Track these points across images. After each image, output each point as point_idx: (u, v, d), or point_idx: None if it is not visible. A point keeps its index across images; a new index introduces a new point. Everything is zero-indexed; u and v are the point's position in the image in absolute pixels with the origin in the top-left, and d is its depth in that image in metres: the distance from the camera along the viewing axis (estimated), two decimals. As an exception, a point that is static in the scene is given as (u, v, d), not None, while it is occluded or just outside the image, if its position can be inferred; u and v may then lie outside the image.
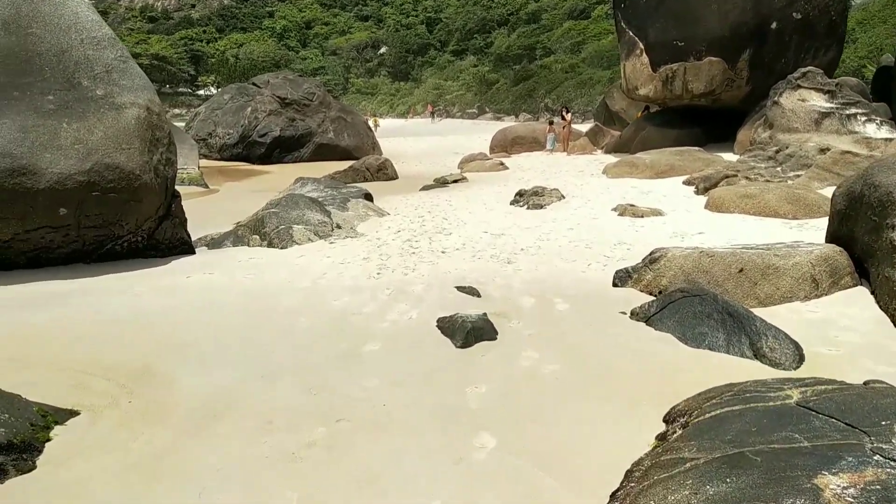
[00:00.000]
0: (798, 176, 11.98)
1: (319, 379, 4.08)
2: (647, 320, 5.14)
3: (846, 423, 2.55)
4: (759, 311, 5.15)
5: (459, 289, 6.00)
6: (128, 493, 2.83)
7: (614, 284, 6.25)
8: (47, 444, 3.17)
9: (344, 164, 19.94)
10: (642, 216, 9.29)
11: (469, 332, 4.76)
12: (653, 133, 20.08)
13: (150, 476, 2.94)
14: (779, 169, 12.69)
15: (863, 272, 5.79)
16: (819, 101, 14.35)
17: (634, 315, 5.29)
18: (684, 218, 9.12)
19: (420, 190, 15.22)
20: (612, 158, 19.04)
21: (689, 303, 5.00)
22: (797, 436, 2.52)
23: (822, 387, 2.99)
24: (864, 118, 13.89)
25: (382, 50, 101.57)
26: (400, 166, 20.05)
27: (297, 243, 7.87)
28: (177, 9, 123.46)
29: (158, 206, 6.85)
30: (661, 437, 3.26)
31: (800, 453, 2.36)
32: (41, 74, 6.47)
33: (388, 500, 2.80)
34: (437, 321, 5.11)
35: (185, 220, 7.51)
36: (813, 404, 2.80)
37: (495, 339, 4.81)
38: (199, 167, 18.13)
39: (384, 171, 18.27)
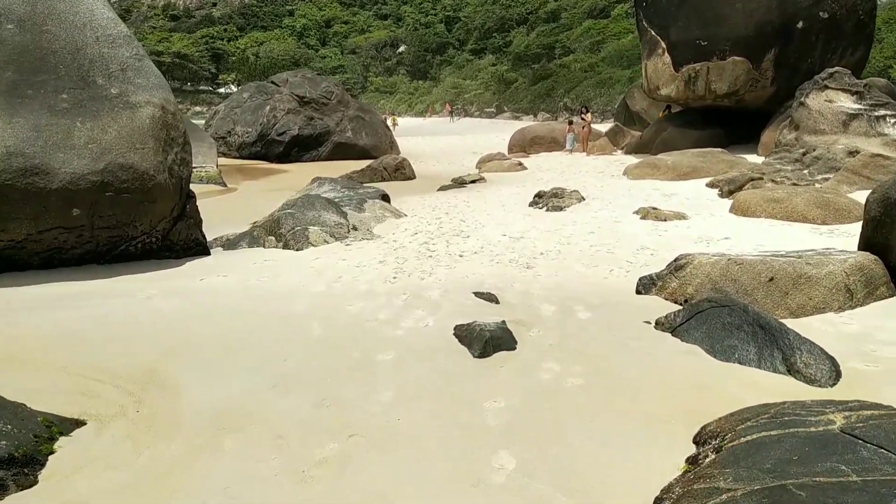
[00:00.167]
0: (826, 179, 11.66)
1: (332, 390, 3.93)
2: (673, 331, 4.94)
3: (899, 456, 2.36)
4: (790, 323, 4.93)
5: (477, 295, 5.83)
6: (130, 514, 2.70)
7: (638, 292, 6.05)
8: (51, 457, 3.05)
9: (362, 164, 19.85)
10: (665, 220, 9.05)
11: (487, 342, 4.59)
12: (674, 134, 19.77)
13: (154, 495, 2.81)
14: (806, 172, 12.37)
15: (900, 282, 5.55)
16: (847, 103, 14.00)
17: (660, 325, 5.09)
18: (709, 222, 8.88)
19: (437, 190, 15.07)
20: (632, 159, 18.76)
21: (717, 313, 4.79)
22: (844, 468, 2.33)
23: (868, 412, 2.79)
24: (893, 120, 13.52)
25: (401, 49, 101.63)
26: (417, 166, 19.92)
27: (312, 245, 7.75)
28: (198, 7, 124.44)
29: (173, 207, 6.76)
30: (692, 461, 3.07)
31: (849, 489, 2.17)
32: (55, 72, 6.40)
33: (402, 526, 2.65)
34: (454, 329, 4.95)
35: (200, 220, 7.42)
36: (859, 432, 2.60)
37: (514, 349, 4.64)
38: (217, 166, 18.13)
39: (402, 171, 18.15)
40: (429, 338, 4.85)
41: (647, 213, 9.40)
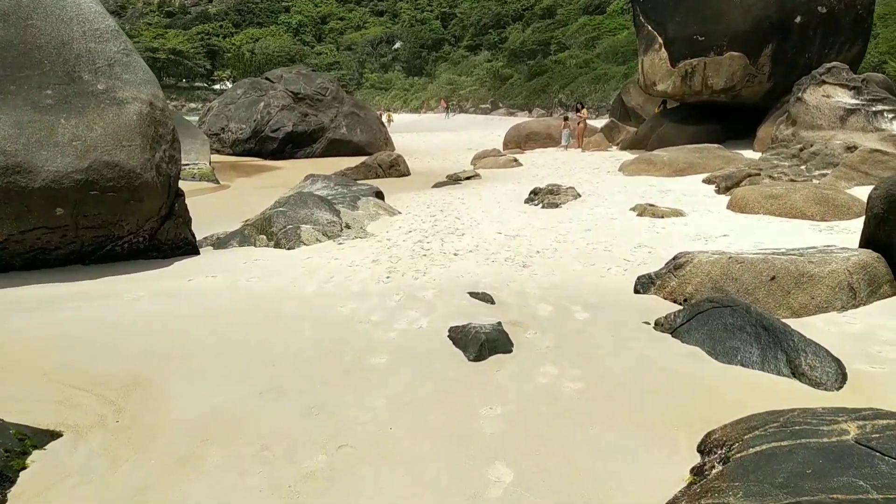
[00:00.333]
0: (824, 175, 11.55)
1: (322, 397, 3.79)
2: (673, 332, 4.81)
3: (918, 470, 2.23)
4: (792, 323, 4.80)
5: (472, 295, 5.69)
6: (105, 532, 2.56)
7: (636, 291, 5.92)
8: (22, 473, 2.90)
9: (356, 160, 19.68)
10: (662, 216, 8.92)
11: (483, 345, 4.45)
12: (670, 129, 19.65)
13: (131, 512, 2.67)
14: (803, 167, 12.26)
15: (904, 281, 5.43)
16: (844, 98, 13.89)
17: (659, 326, 4.96)
18: (706, 219, 8.75)
19: (432, 187, 14.91)
20: (628, 155, 18.64)
21: (718, 314, 4.66)
22: (862, 483, 2.20)
23: (884, 421, 2.66)
24: (891, 115, 13.42)
25: (397, 45, 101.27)
26: (412, 162, 19.76)
27: (304, 244, 7.59)
28: (194, 3, 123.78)
29: (161, 206, 6.60)
30: (698, 472, 2.94)
31: (868, 508, 2.04)
32: (40, 68, 6.23)
33: (393, 545, 2.51)
34: (449, 331, 4.81)
35: (189, 219, 7.25)
36: (876, 443, 2.47)
37: (510, 351, 4.50)
38: (210, 162, 17.95)
39: (396, 168, 17.99)
40: (423, 340, 4.71)
41: (644, 210, 9.27)
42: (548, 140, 24.15)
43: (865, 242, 6.30)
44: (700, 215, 9.01)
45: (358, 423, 3.49)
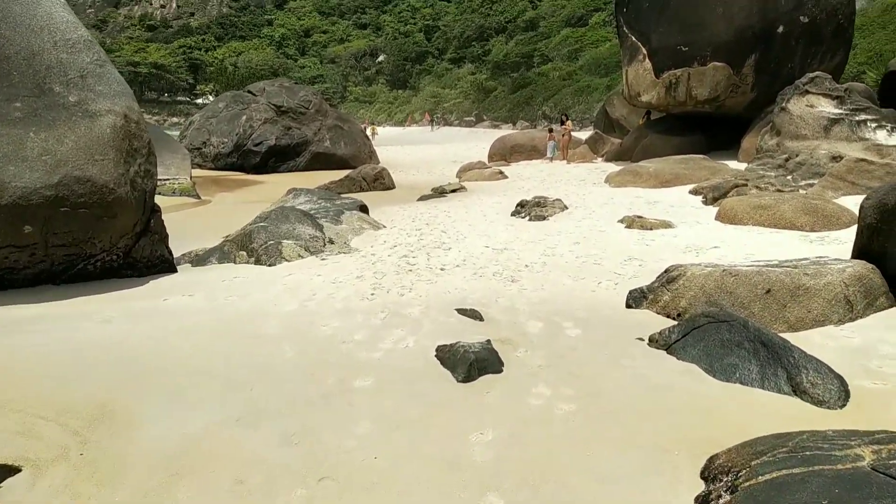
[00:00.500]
0: (810, 185, 11.53)
1: (303, 423, 3.57)
2: (668, 348, 4.65)
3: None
4: (789, 337, 4.68)
5: (460, 311, 5.51)
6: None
7: (628, 305, 5.76)
8: (-27, 516, 2.67)
9: (340, 174, 19.50)
10: (651, 228, 8.81)
11: (472, 365, 4.26)
12: (654, 140, 19.67)
13: (91, 559, 2.44)
14: (789, 178, 12.24)
15: (899, 292, 5.32)
16: (828, 108, 13.93)
17: (653, 342, 4.80)
18: (696, 230, 8.64)
19: (417, 200, 14.75)
20: (613, 167, 18.62)
21: (715, 329, 4.51)
22: (885, 518, 2.03)
23: (900, 446, 2.50)
24: (874, 124, 13.47)
25: (380, 58, 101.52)
26: (397, 175, 19.60)
27: (286, 260, 7.37)
28: (176, 17, 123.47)
29: (135, 222, 6.36)
30: (703, 501, 2.76)
31: (896, 547, 1.87)
32: (8, 79, 5.99)
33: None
34: (436, 350, 4.61)
35: (166, 235, 7.01)
36: (895, 470, 2.31)
37: (501, 371, 4.31)
38: (191, 177, 17.68)
39: (381, 181, 17.82)
40: (409, 360, 4.52)
41: (633, 222, 9.15)
42: (533, 152, 24.11)
43: (858, 253, 6.20)
44: (689, 227, 8.90)
45: (340, 451, 3.29)
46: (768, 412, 3.68)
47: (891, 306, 5.28)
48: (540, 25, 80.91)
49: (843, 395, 3.82)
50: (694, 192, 12.16)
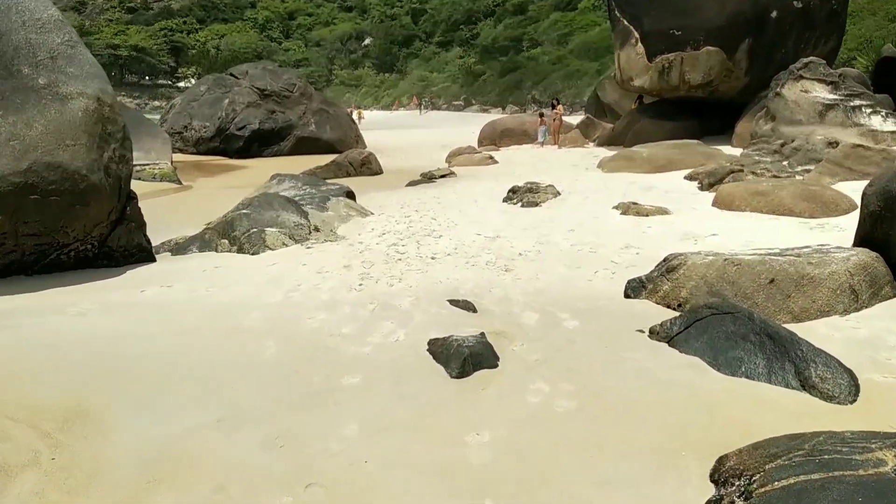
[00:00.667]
0: (807, 171, 11.38)
1: (287, 425, 3.35)
2: (670, 341, 4.46)
3: None
4: (793, 328, 4.50)
5: (452, 303, 5.29)
6: None
7: (626, 295, 5.57)
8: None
9: (326, 158, 19.13)
10: (647, 215, 8.62)
11: (466, 360, 4.05)
12: (647, 125, 19.48)
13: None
14: (785, 163, 12.08)
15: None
16: (822, 93, 13.77)
17: (654, 334, 4.61)
18: (693, 217, 8.46)
19: (406, 186, 14.48)
20: (605, 151, 18.41)
21: (719, 321, 4.32)
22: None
23: (930, 452, 2.32)
24: (869, 110, 13.34)
25: (367, 41, 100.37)
26: (385, 160, 19.29)
27: (269, 248, 7.10)
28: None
29: (110, 210, 6.07)
30: (715, 510, 2.58)
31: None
32: (-27, 61, 5.66)
33: None
34: (429, 344, 4.40)
35: (144, 223, 6.72)
36: (926, 481, 2.13)
37: (496, 366, 4.11)
38: (172, 162, 17.28)
39: (368, 166, 17.51)
40: (400, 355, 4.30)
41: (628, 209, 8.96)
42: (523, 137, 23.85)
43: (861, 241, 6.04)
44: (686, 213, 8.72)
45: (328, 455, 3.08)
46: (776, 408, 3.51)
47: (895, 296, 5.13)
48: (529, 9, 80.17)
49: (853, 389, 3.65)
50: (689, 177, 11.98)
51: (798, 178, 10.84)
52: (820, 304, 4.88)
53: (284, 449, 3.13)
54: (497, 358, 4.19)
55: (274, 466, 2.98)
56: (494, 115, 40.05)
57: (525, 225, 8.49)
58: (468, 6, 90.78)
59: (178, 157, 20.09)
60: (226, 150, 23.42)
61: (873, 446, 2.53)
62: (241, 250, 7.09)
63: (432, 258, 6.81)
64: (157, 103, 74.23)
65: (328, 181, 12.01)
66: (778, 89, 13.91)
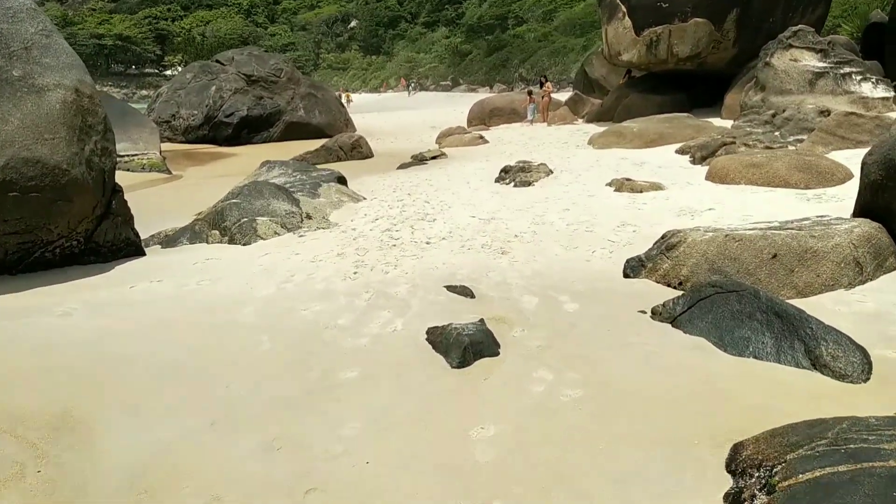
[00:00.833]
0: (799, 141, 11.27)
1: (284, 426, 3.24)
2: (674, 321, 4.36)
3: None
4: (798, 303, 4.42)
5: (450, 289, 5.17)
6: None
7: (626, 275, 5.46)
8: None
9: (316, 143, 18.89)
10: (642, 191, 8.50)
11: (466, 349, 3.94)
12: (636, 100, 19.31)
13: None
14: (777, 134, 11.97)
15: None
16: (812, 61, 13.64)
17: (657, 315, 4.51)
18: (687, 192, 8.35)
19: (397, 169, 14.30)
20: (595, 128, 18.24)
21: (723, 300, 4.22)
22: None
23: (960, 438, 2.23)
24: (859, 77, 13.25)
25: (353, 23, 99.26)
26: (375, 143, 19.06)
27: (261, 238, 6.95)
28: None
29: (95, 205, 5.89)
30: (734, 501, 2.48)
31: None
32: (-57, 54, 5.45)
33: None
34: (427, 333, 4.29)
35: (131, 217, 6.54)
36: (960, 470, 2.03)
37: (497, 354, 4.00)
38: (160, 152, 17.00)
39: (358, 150, 17.29)
40: (398, 346, 4.18)
41: (622, 185, 8.83)
42: (512, 115, 23.62)
43: (861, 211, 5.95)
44: (680, 188, 8.61)
45: (328, 457, 2.96)
46: (788, 390, 3.42)
47: (900, 267, 5.04)
48: (513, -15, 79.26)
49: (866, 367, 3.56)
50: (680, 151, 11.85)
51: (791, 148, 10.73)
52: (824, 279, 4.79)
53: (282, 452, 3.02)
54: (498, 345, 4.08)
55: (272, 472, 2.87)
56: (482, 95, 39.71)
57: (519, 205, 8.35)
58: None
59: (166, 146, 19.80)
60: (215, 137, 23.10)
61: (897, 431, 2.43)
62: (232, 241, 6.94)
63: (427, 243, 6.68)
64: (144, 92, 73.25)
65: (319, 167, 11.82)
66: (767, 59, 13.76)
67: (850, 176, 8.12)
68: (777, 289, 4.73)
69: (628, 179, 9.11)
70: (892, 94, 12.68)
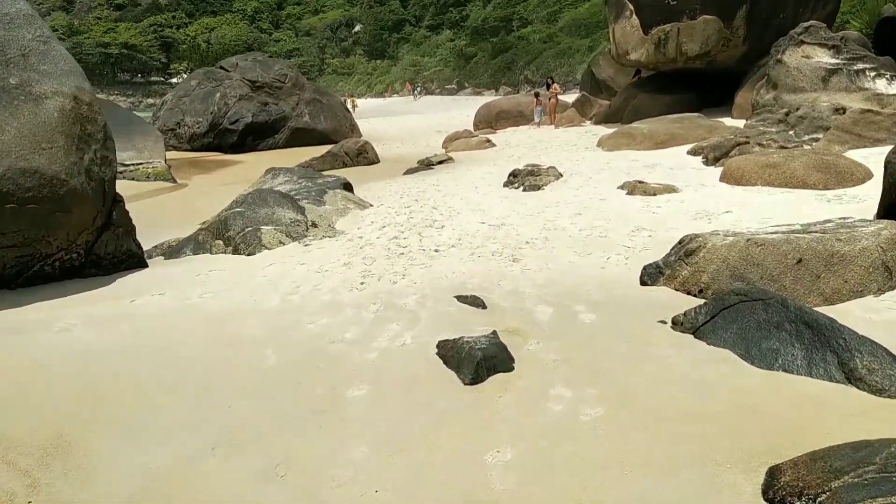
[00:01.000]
0: (815, 139, 11.02)
1: (289, 449, 3.06)
2: (696, 332, 4.16)
3: None
4: (825, 311, 4.20)
5: (460, 299, 4.99)
6: None
7: (643, 282, 5.26)
8: None
9: (322, 149, 18.78)
10: (655, 194, 8.29)
11: (479, 364, 3.75)
12: (644, 100, 19.09)
13: None
14: (791, 133, 11.73)
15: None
16: (825, 58, 13.38)
17: (678, 325, 4.31)
18: (702, 194, 8.13)
19: (404, 174, 14.14)
20: (603, 129, 18.03)
21: (749, 309, 4.02)
22: None
23: None
24: (873, 73, 12.96)
25: (357, 28, 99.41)
26: (381, 148, 18.92)
27: (266, 248, 6.78)
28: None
29: (95, 215, 5.74)
30: (775, 535, 2.28)
31: None
32: (-62, 63, 5.32)
33: None
34: (438, 347, 4.11)
35: (133, 228, 6.39)
36: None
37: (512, 369, 3.82)
38: (166, 160, 16.90)
39: (364, 155, 17.14)
40: (407, 361, 4.01)
41: (634, 188, 8.62)
42: (519, 118, 23.44)
43: (886, 212, 5.75)
44: (694, 190, 8.39)
45: (335, 484, 2.79)
46: (823, 406, 3.21)
47: (930, 271, 4.81)
48: (518, -13, 79.14)
49: (904, 380, 3.35)
50: (693, 152, 11.63)
51: (807, 147, 10.49)
52: (852, 284, 4.57)
53: (287, 478, 2.84)
54: (512, 360, 3.90)
55: (276, 499, 2.70)
56: (488, 98, 39.58)
57: (529, 210, 8.16)
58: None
59: (172, 154, 19.72)
60: (220, 145, 23.03)
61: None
62: (236, 251, 6.77)
63: (435, 251, 6.50)
64: (150, 101, 73.66)
65: (324, 173, 11.68)
66: (778, 56, 13.51)
67: (869, 175, 7.90)
68: (803, 296, 4.53)
69: (640, 182, 8.90)
70: (908, 90, 12.40)
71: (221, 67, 25.58)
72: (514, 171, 10.78)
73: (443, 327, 4.42)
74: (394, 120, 35.06)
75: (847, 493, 2.19)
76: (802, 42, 13.56)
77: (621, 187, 8.98)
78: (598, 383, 3.56)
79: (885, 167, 5.81)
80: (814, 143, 10.79)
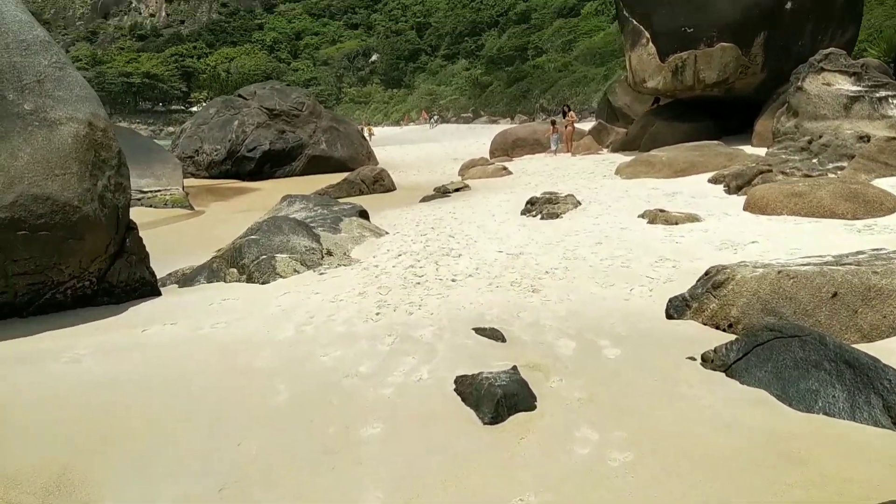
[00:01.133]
0: (839, 168, 10.80)
1: (301, 493, 2.90)
2: (727, 370, 3.96)
3: None
4: (864, 348, 3.98)
5: (478, 331, 4.82)
6: None
7: (669, 316, 5.06)
8: None
9: (338, 177, 18.82)
10: (677, 223, 8.10)
11: (499, 402, 3.57)
12: (662, 128, 18.95)
13: None
14: (815, 161, 11.51)
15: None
16: (846, 85, 13.20)
17: (708, 362, 4.10)
18: (726, 223, 7.93)
19: (420, 202, 14.06)
20: (620, 157, 17.90)
21: (784, 346, 3.81)
22: None
23: None
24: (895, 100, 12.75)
25: (374, 58, 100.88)
26: (397, 176, 18.91)
27: (280, 276, 6.67)
28: (166, 26, 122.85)
29: (108, 243, 5.66)
30: None
31: None
32: (-45, 89, 5.30)
33: None
34: (455, 383, 3.93)
35: (146, 255, 6.31)
36: None
37: (534, 408, 3.63)
38: (183, 187, 17.00)
39: (381, 183, 17.12)
40: (424, 397, 3.83)
41: (656, 217, 8.44)
42: (536, 146, 23.40)
43: (921, 244, 5.52)
44: (718, 219, 8.19)
45: (347, 534, 2.60)
46: (868, 454, 2.99)
47: (972, 305, 4.57)
48: (532, 17, 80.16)
49: (956, 426, 3.12)
50: (713, 180, 11.44)
51: (831, 175, 10.27)
52: (892, 320, 4.34)
53: (296, 526, 2.67)
54: (534, 398, 3.71)
55: (284, 550, 2.52)
56: (504, 126, 39.69)
57: (548, 239, 8.00)
58: (472, 17, 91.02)
59: (190, 181, 19.86)
60: (238, 172, 23.18)
61: None
62: (250, 279, 6.66)
63: (453, 280, 6.35)
64: (171, 129, 74.93)
65: (340, 200, 11.62)
66: (799, 83, 13.35)
67: (899, 205, 7.67)
68: (840, 332, 4.31)
69: (662, 210, 8.72)
70: (933, 118, 12.18)
71: (240, 95, 25.88)
72: (532, 198, 10.65)
73: (460, 361, 4.25)
74: (410, 148, 35.20)
75: (911, 557, 1.98)
76: (823, 69, 13.41)
77: (642, 216, 8.81)
78: (625, 425, 3.36)
79: (920, 197, 5.62)
80: (839, 172, 10.58)
